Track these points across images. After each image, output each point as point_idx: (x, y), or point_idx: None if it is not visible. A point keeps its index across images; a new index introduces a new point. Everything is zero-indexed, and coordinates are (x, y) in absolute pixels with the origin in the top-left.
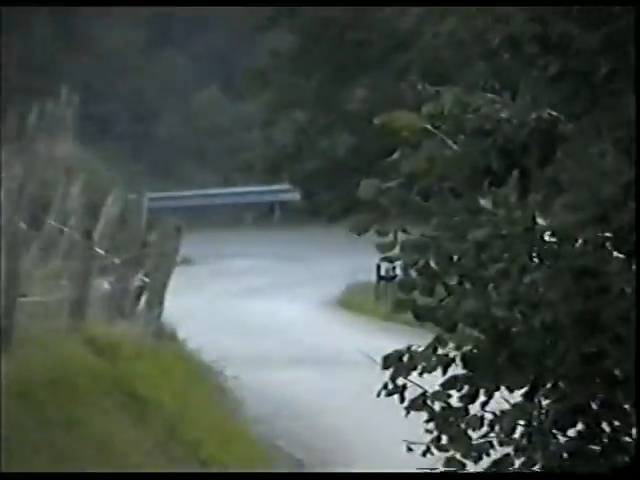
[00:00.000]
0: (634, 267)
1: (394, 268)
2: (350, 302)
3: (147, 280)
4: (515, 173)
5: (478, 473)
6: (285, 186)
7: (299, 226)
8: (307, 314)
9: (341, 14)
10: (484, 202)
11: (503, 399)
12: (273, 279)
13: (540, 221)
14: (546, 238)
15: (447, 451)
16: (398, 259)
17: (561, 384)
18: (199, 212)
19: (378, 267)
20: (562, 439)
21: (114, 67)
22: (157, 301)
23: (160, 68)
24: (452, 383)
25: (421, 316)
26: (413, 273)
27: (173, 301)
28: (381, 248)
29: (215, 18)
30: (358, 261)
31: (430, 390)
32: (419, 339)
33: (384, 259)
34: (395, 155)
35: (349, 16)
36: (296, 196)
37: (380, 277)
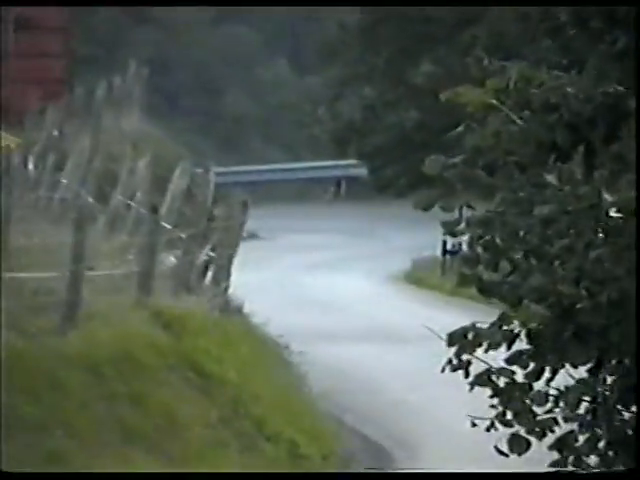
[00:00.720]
0: None
1: (460, 243)
2: (416, 277)
3: (213, 255)
4: (581, 149)
5: (478, 473)
6: (352, 161)
7: (366, 201)
8: (373, 289)
9: None
10: (550, 177)
11: (568, 375)
12: (339, 254)
13: (606, 197)
14: (611, 214)
15: (512, 426)
16: (463, 234)
17: (626, 360)
18: (266, 187)
19: (444, 242)
20: (627, 415)
21: (181, 41)
22: (223, 276)
23: (227, 42)
24: (517, 358)
25: (486, 291)
26: (479, 248)
27: (240, 276)
28: (446, 224)
29: None
30: (425, 236)
31: (494, 366)
32: (484, 314)
33: (449, 233)
34: (459, 129)
35: None
36: (363, 171)
37: (445, 251)
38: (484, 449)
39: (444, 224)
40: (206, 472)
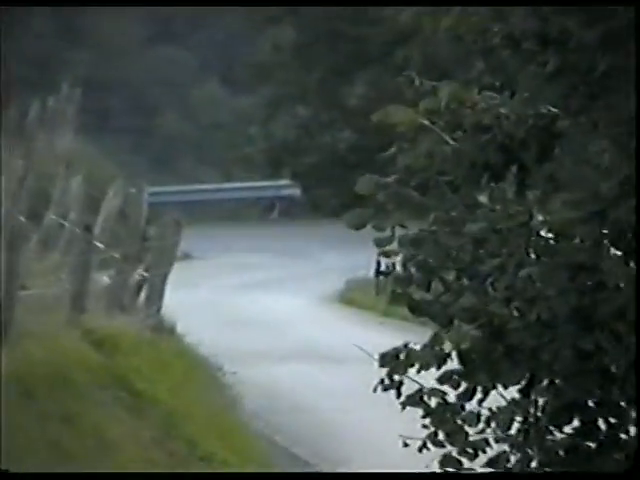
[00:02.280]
0: (631, 264)
1: (394, 264)
2: (350, 297)
3: (147, 274)
4: (513, 169)
5: (478, 473)
6: (286, 181)
7: (299, 221)
8: (306, 309)
9: (341, 10)
10: (482, 197)
11: (500, 395)
12: (273, 274)
13: (537, 217)
14: (543, 234)
15: (443, 447)
16: (396, 255)
17: (557, 380)
18: (199, 207)
19: (378, 262)
20: (559, 436)
21: (115, 61)
22: (156, 295)
23: (161, 63)
24: (448, 378)
25: (417, 310)
26: (411, 268)
27: (172, 295)
28: (379, 243)
29: (215, 12)
30: (358, 256)
31: (426, 386)
32: (418, 335)
33: (382, 254)
34: (391, 150)
35: (349, 11)
36: (296, 191)
37: (378, 272)
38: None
39: (377, 240)
40: (206, 472)
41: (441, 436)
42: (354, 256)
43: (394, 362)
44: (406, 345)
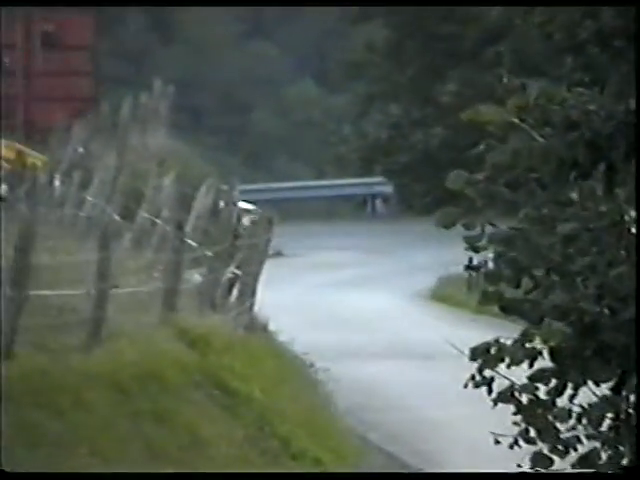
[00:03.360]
0: None
1: (486, 261)
2: (442, 294)
3: (239, 272)
4: (602, 166)
5: (479, 473)
6: (378, 179)
7: (392, 219)
8: (399, 306)
9: (433, 8)
10: (572, 195)
11: (591, 392)
12: (366, 271)
13: (628, 214)
14: (633, 231)
15: (534, 444)
16: (485, 250)
17: None
18: (292, 204)
19: (470, 259)
20: None
21: (208, 59)
22: (249, 293)
23: (254, 60)
24: (540, 376)
25: (508, 308)
26: (502, 265)
27: (265, 293)
28: (468, 239)
29: (308, 10)
30: (451, 253)
31: (518, 383)
32: (510, 332)
33: (472, 249)
34: (480, 147)
35: (441, 10)
36: (389, 189)
37: (469, 267)
38: (511, 467)
39: (466, 238)
40: (206, 472)
41: (532, 433)
42: (446, 253)
43: (485, 356)
44: (497, 340)
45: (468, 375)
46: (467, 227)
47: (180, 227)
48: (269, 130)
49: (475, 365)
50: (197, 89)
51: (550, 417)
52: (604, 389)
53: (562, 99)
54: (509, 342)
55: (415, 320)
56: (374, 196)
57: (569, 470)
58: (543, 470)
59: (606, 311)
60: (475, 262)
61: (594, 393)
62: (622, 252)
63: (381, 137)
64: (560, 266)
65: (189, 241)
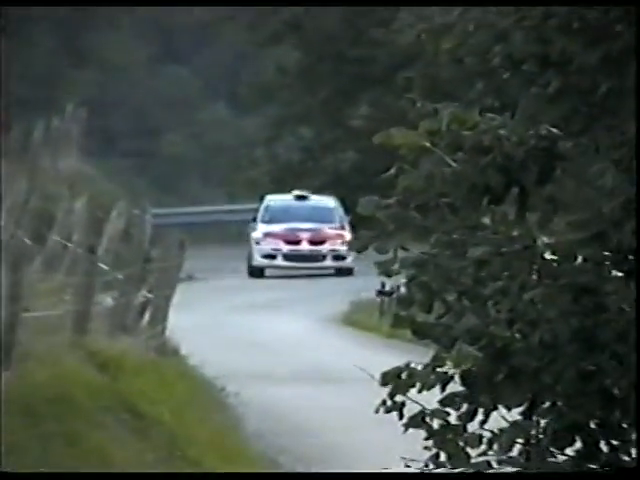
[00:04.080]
0: (632, 286)
1: (398, 286)
2: (354, 319)
3: (150, 295)
4: (514, 191)
5: (478, 473)
6: None
7: None
8: (310, 331)
9: (343, 31)
10: (484, 219)
11: (502, 417)
12: (277, 295)
13: (540, 239)
14: (545, 256)
15: (445, 468)
16: (398, 274)
17: (559, 402)
18: (203, 228)
19: (383, 285)
20: (561, 457)
21: (120, 82)
22: (160, 316)
23: (165, 83)
24: (451, 400)
25: (419, 332)
26: (413, 289)
27: (176, 317)
28: (380, 264)
29: (219, 33)
30: (364, 278)
31: (429, 407)
32: (421, 356)
33: (384, 274)
34: (392, 171)
35: (352, 33)
36: None
37: (380, 292)
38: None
39: (378, 264)
40: (206, 472)
41: (443, 457)
42: (359, 278)
43: (396, 381)
44: (408, 365)
45: (379, 399)
46: (379, 251)
47: (92, 250)
48: (180, 153)
49: (386, 390)
50: (108, 112)
51: (461, 442)
52: (515, 414)
53: (474, 124)
54: (419, 367)
55: (327, 344)
56: None
57: (569, 470)
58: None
59: (517, 335)
60: (387, 287)
61: (504, 418)
62: (533, 276)
63: (292, 160)
64: (471, 290)
65: (100, 264)
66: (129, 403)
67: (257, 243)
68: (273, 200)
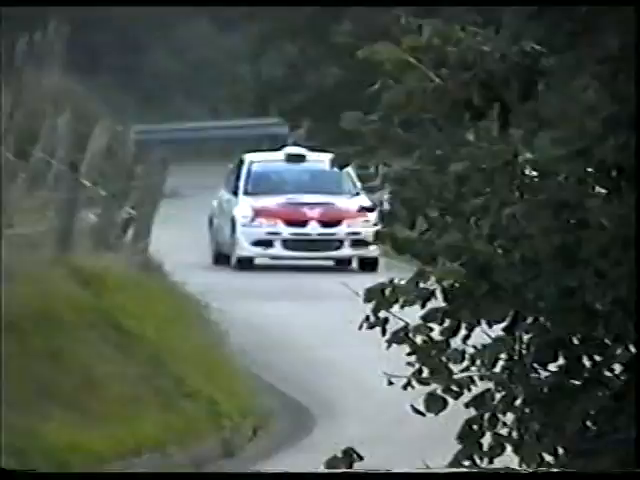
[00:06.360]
0: (615, 202)
1: (381, 201)
2: None
3: (133, 212)
4: (496, 107)
5: (479, 473)
6: (274, 120)
7: None
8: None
9: None
10: (468, 135)
11: (485, 333)
12: None
13: (522, 155)
14: (527, 172)
15: (428, 384)
16: (381, 190)
17: (541, 318)
18: (188, 145)
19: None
20: (543, 373)
21: None
22: (143, 233)
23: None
24: (433, 315)
25: (400, 248)
26: (396, 205)
27: (160, 233)
28: (363, 176)
29: None
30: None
31: (412, 324)
32: (406, 273)
33: (366, 190)
34: (376, 87)
35: None
36: (285, 130)
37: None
38: (401, 408)
39: (360, 176)
40: (206, 472)
41: (425, 373)
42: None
43: (379, 297)
44: (391, 281)
45: (362, 316)
46: (361, 167)
47: (75, 167)
48: (164, 70)
49: (370, 306)
50: (91, 28)
51: (444, 358)
52: (498, 331)
53: (457, 39)
54: (403, 283)
55: (311, 263)
56: (270, 136)
57: (569, 470)
58: (436, 412)
59: (499, 251)
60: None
61: (487, 335)
62: (515, 193)
63: (276, 77)
64: (453, 206)
65: (84, 181)
66: (113, 319)
67: (244, 225)
68: (257, 162)
